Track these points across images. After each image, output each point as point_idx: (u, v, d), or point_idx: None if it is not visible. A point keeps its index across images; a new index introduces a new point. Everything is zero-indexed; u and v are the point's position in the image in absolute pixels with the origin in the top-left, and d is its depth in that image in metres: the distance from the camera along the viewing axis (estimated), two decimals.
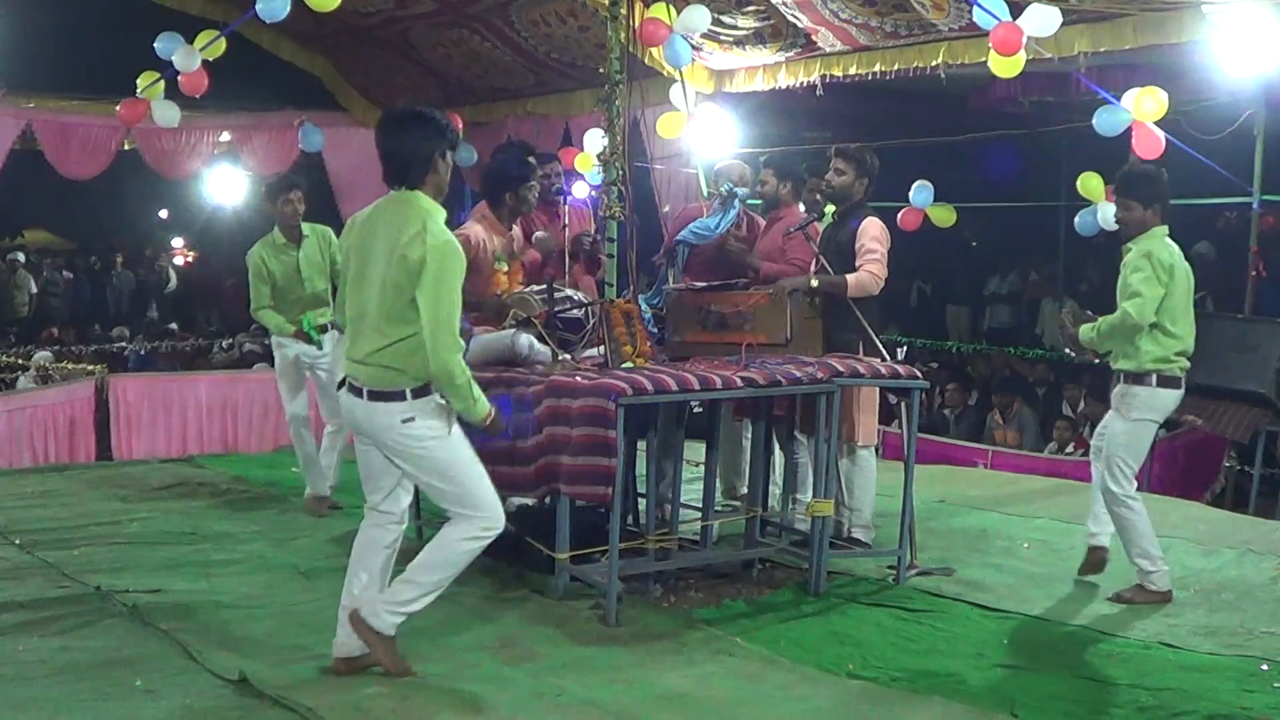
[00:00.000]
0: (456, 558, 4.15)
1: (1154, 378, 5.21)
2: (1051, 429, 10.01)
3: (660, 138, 8.61)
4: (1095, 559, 5.51)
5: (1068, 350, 5.65)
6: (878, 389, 5.87)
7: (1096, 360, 5.68)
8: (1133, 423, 5.24)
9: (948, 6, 7.34)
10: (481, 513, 4.14)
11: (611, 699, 4.11)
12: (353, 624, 4.16)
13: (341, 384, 4.19)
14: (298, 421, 6.93)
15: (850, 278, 5.74)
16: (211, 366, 12.19)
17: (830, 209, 6.27)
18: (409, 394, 4.03)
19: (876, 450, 6.22)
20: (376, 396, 4.05)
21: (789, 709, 4.09)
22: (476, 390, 4.07)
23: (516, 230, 5.99)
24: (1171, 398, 5.29)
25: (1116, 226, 5.50)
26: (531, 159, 6.01)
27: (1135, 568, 5.26)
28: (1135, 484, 5.27)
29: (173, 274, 19.24)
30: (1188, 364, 5.29)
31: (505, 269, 5.70)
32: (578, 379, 4.95)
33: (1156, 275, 5.12)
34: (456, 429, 4.14)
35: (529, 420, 5.08)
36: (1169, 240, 5.24)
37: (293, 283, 6.79)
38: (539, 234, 6.42)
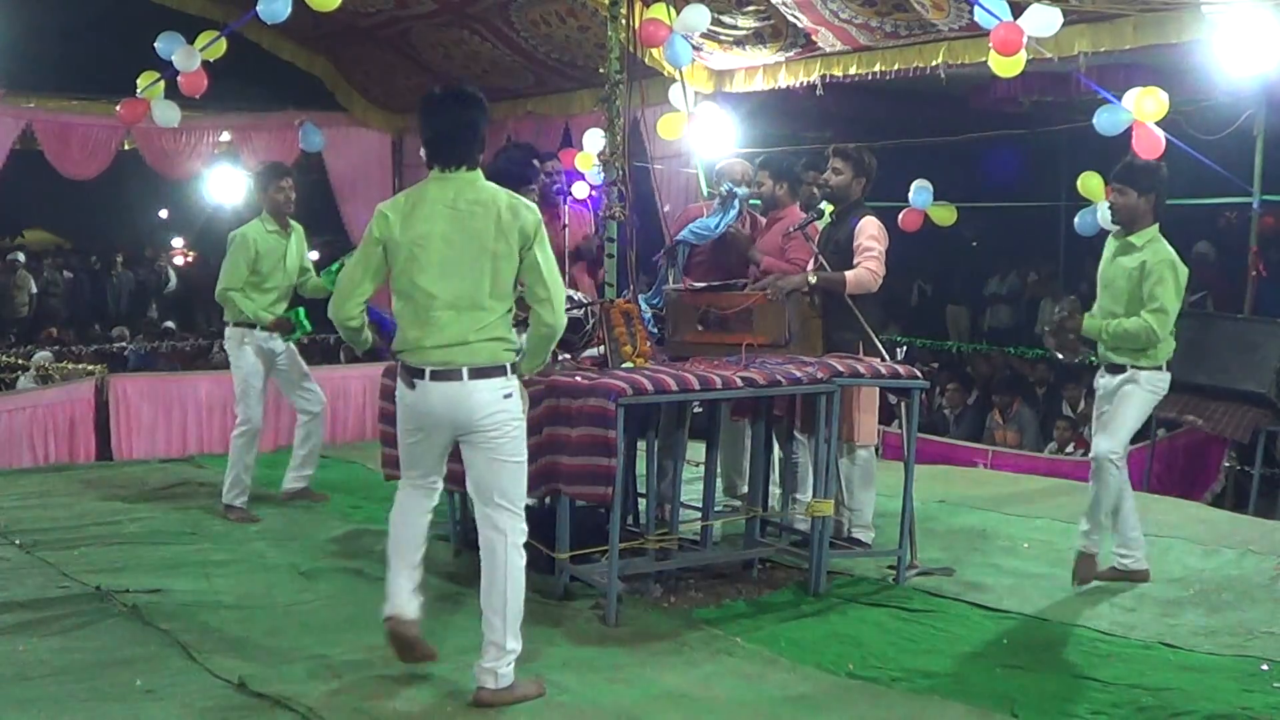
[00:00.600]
0: (522, 574, 4.11)
1: (1164, 365, 5.40)
2: (1051, 429, 10.01)
3: (660, 138, 8.61)
4: (1085, 563, 5.50)
5: (1058, 353, 5.65)
6: (877, 389, 5.87)
7: (1091, 361, 5.70)
8: (1147, 395, 5.38)
9: (948, 6, 7.34)
10: (521, 508, 4.14)
11: (611, 699, 4.11)
12: (481, 699, 3.99)
13: (417, 375, 4.05)
14: (256, 434, 6.72)
15: (849, 275, 5.74)
16: (211, 366, 12.17)
17: (828, 208, 6.27)
18: (509, 368, 4.10)
19: (876, 450, 6.22)
20: (481, 374, 4.04)
21: (789, 709, 4.09)
22: None
23: None
24: (1169, 380, 5.47)
25: (1110, 216, 5.54)
26: (536, 162, 6.01)
27: (1115, 554, 5.46)
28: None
29: (172, 274, 19.23)
30: None
31: None
32: (578, 379, 4.95)
33: (1179, 288, 5.22)
34: None
35: (527, 420, 5.07)
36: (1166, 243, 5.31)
37: (277, 269, 6.66)
38: None
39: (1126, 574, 5.50)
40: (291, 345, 6.85)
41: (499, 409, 4.05)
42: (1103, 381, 5.50)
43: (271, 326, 6.66)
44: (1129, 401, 5.38)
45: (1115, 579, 5.48)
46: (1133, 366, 5.35)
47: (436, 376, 4.04)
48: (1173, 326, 5.29)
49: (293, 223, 6.81)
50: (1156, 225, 5.34)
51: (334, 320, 4.24)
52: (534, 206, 4.13)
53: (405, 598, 4.18)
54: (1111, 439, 5.36)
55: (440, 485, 4.33)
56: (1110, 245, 5.51)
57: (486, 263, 4.03)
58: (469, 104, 4.14)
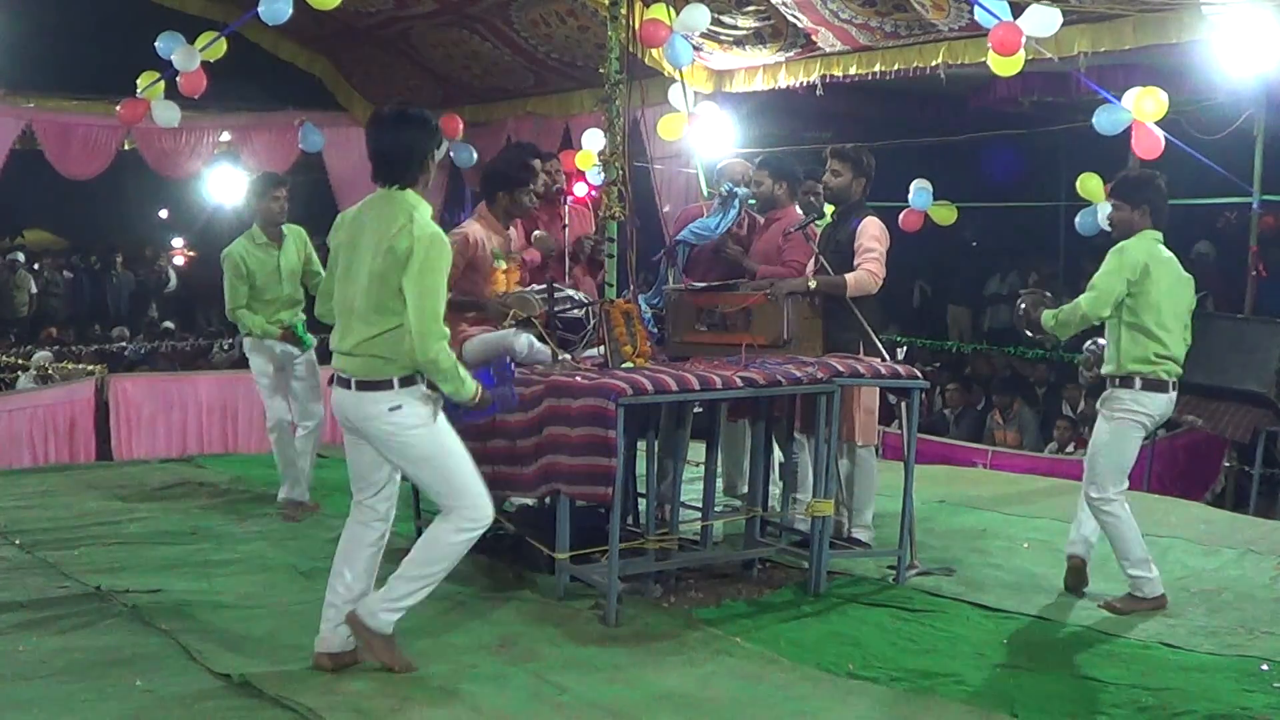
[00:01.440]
0: (447, 550, 4.21)
1: (1137, 380, 5.13)
2: (1051, 429, 10.01)
3: (660, 138, 8.61)
4: (1073, 569, 5.41)
5: (1026, 332, 5.63)
6: (877, 389, 5.87)
7: (1056, 346, 5.69)
8: (1115, 423, 5.17)
9: (948, 6, 7.34)
10: (467, 503, 4.19)
11: (611, 699, 4.11)
12: (350, 625, 4.20)
13: (331, 379, 4.28)
14: (282, 426, 6.84)
15: (849, 277, 5.74)
16: (211, 366, 12.18)
17: (830, 209, 6.27)
18: (396, 382, 4.12)
19: (876, 450, 6.22)
20: (365, 386, 4.13)
21: (789, 709, 4.09)
22: (463, 371, 4.18)
23: (515, 231, 5.99)
24: (1156, 402, 5.16)
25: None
26: (535, 162, 6.01)
27: (1126, 577, 5.20)
28: (1122, 489, 5.18)
29: (172, 274, 19.22)
30: (1176, 369, 5.19)
31: (504, 268, 5.70)
32: (578, 379, 4.95)
33: (1120, 272, 5.10)
34: (442, 418, 4.23)
35: (527, 420, 5.08)
36: (1158, 245, 5.19)
37: (271, 282, 6.68)
38: (538, 233, 6.42)
39: (1142, 600, 5.15)
40: (311, 357, 6.90)
41: (385, 422, 4.12)
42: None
43: (283, 338, 6.74)
44: (1098, 439, 5.22)
45: (1132, 609, 5.11)
46: (1110, 381, 5.23)
47: (338, 382, 4.23)
48: (1159, 330, 5.09)
49: (288, 229, 6.79)
50: (1146, 231, 5.23)
51: (320, 319, 4.38)
52: (427, 234, 4.05)
53: (329, 629, 4.28)
54: (1097, 485, 5.17)
55: (379, 524, 4.32)
56: None
57: (364, 277, 4.11)
58: (408, 125, 4.20)
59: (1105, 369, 5.27)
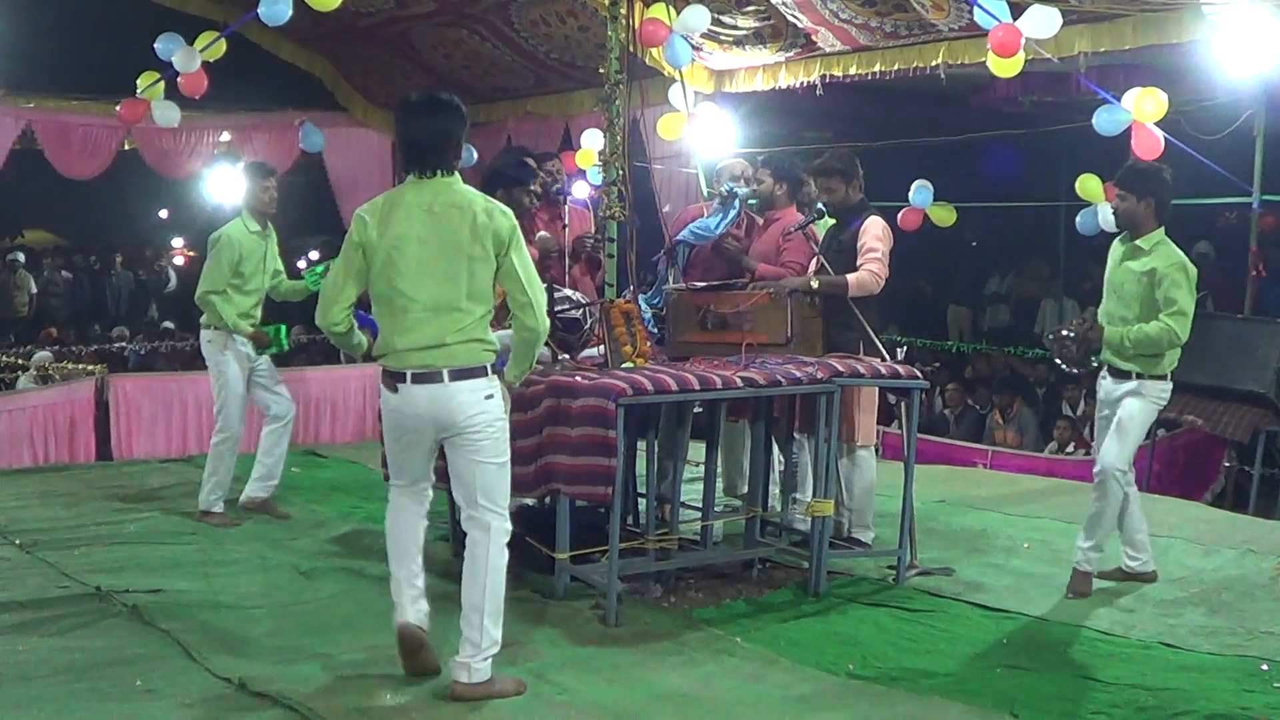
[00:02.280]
0: (503, 574, 4.16)
1: (1170, 374, 5.40)
2: (1051, 429, 10.01)
3: (660, 138, 8.61)
4: (1142, 579, 5.54)
5: (1065, 364, 5.55)
6: (877, 389, 5.87)
7: (1093, 366, 5.68)
8: (1151, 407, 5.39)
9: (948, 6, 7.34)
10: (505, 509, 4.18)
11: (611, 699, 4.11)
12: (462, 696, 4.04)
13: (399, 378, 4.08)
14: (236, 441, 6.61)
15: (851, 278, 5.74)
16: None
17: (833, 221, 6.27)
18: (489, 369, 4.11)
19: (876, 450, 6.22)
20: (463, 375, 4.06)
21: (789, 709, 4.09)
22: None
23: None
24: (1171, 388, 5.47)
25: (1114, 221, 5.53)
26: (529, 160, 6.00)
27: (1078, 547, 5.43)
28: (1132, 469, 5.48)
29: (173, 274, 19.21)
30: None
31: None
32: (578, 379, 4.95)
33: (1192, 289, 5.23)
34: None
35: (527, 420, 5.08)
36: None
37: (258, 271, 6.59)
38: (541, 234, 6.41)
39: (1134, 575, 5.51)
40: (268, 357, 6.71)
41: (480, 410, 4.08)
42: (1105, 385, 5.48)
43: (249, 337, 6.55)
44: (1134, 414, 5.35)
45: (1123, 580, 5.50)
46: (1138, 375, 5.33)
47: (418, 379, 4.06)
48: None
49: (269, 224, 6.76)
50: (1162, 228, 5.33)
51: (321, 326, 4.27)
52: (509, 211, 4.15)
53: (409, 605, 4.22)
54: (1120, 452, 5.34)
55: (430, 492, 4.35)
56: (1116, 249, 5.50)
57: (463, 265, 4.05)
58: (445, 110, 4.18)
59: (1145, 368, 5.33)
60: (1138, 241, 5.34)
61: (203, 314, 6.63)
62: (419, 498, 4.32)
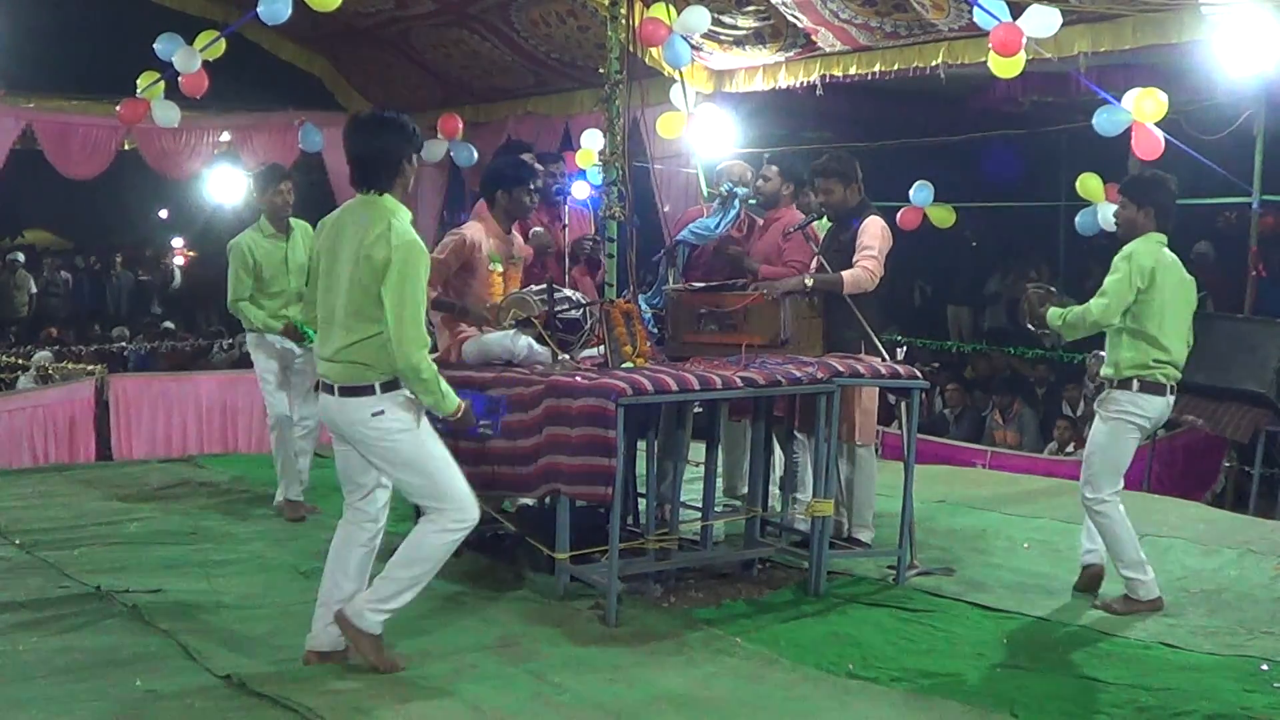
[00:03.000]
0: (432, 552, 4.21)
1: (1135, 382, 5.15)
2: (1051, 429, 10.01)
3: (660, 138, 8.61)
4: (1089, 576, 5.42)
5: (1029, 326, 5.57)
6: (877, 389, 5.87)
7: (1056, 346, 5.67)
8: (1111, 423, 5.18)
9: (948, 6, 7.34)
10: (452, 505, 4.20)
11: (611, 699, 4.11)
12: (339, 624, 4.22)
13: (317, 385, 4.34)
14: (284, 424, 6.77)
15: (846, 275, 5.74)
16: (211, 366, 12.18)
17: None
18: (378, 388, 4.13)
19: (876, 450, 6.22)
20: (347, 392, 4.15)
21: (789, 709, 4.09)
22: (444, 385, 4.18)
23: (516, 235, 5.97)
24: (1154, 405, 5.16)
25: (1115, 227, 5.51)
26: (527, 156, 5.98)
27: (1121, 578, 5.20)
28: (1116, 489, 5.19)
29: (178, 273, 19.22)
30: (1175, 373, 5.20)
31: (500, 270, 5.69)
32: (578, 379, 4.95)
33: (1130, 278, 5.07)
34: (425, 423, 4.24)
35: (528, 420, 5.08)
36: (1164, 249, 5.19)
37: (279, 274, 6.66)
38: (535, 229, 6.38)
39: (1139, 603, 5.14)
40: (309, 350, 6.81)
41: (370, 426, 4.13)
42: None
43: (283, 333, 6.66)
44: (1093, 438, 5.23)
45: (1129, 610, 5.10)
46: (1109, 382, 5.22)
47: (323, 388, 4.26)
48: (1161, 336, 5.10)
49: (295, 222, 6.77)
50: (1154, 234, 5.22)
51: (304, 322, 4.40)
52: (403, 243, 4.04)
53: (320, 628, 4.30)
54: (1092, 485, 5.18)
55: (377, 521, 4.34)
56: None
57: (343, 285, 4.12)
58: (383, 128, 4.19)
59: (1104, 371, 5.28)
60: (1125, 246, 5.26)
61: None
62: (357, 518, 4.33)
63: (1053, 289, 5.56)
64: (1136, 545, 5.18)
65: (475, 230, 5.66)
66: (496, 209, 5.76)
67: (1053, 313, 5.32)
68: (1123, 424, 5.16)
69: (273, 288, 6.67)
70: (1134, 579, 5.13)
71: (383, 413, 4.12)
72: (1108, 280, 5.13)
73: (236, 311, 6.75)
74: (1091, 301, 5.16)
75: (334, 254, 4.18)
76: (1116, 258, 5.19)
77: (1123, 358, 5.16)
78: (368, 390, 4.12)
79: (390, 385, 4.14)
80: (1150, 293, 5.10)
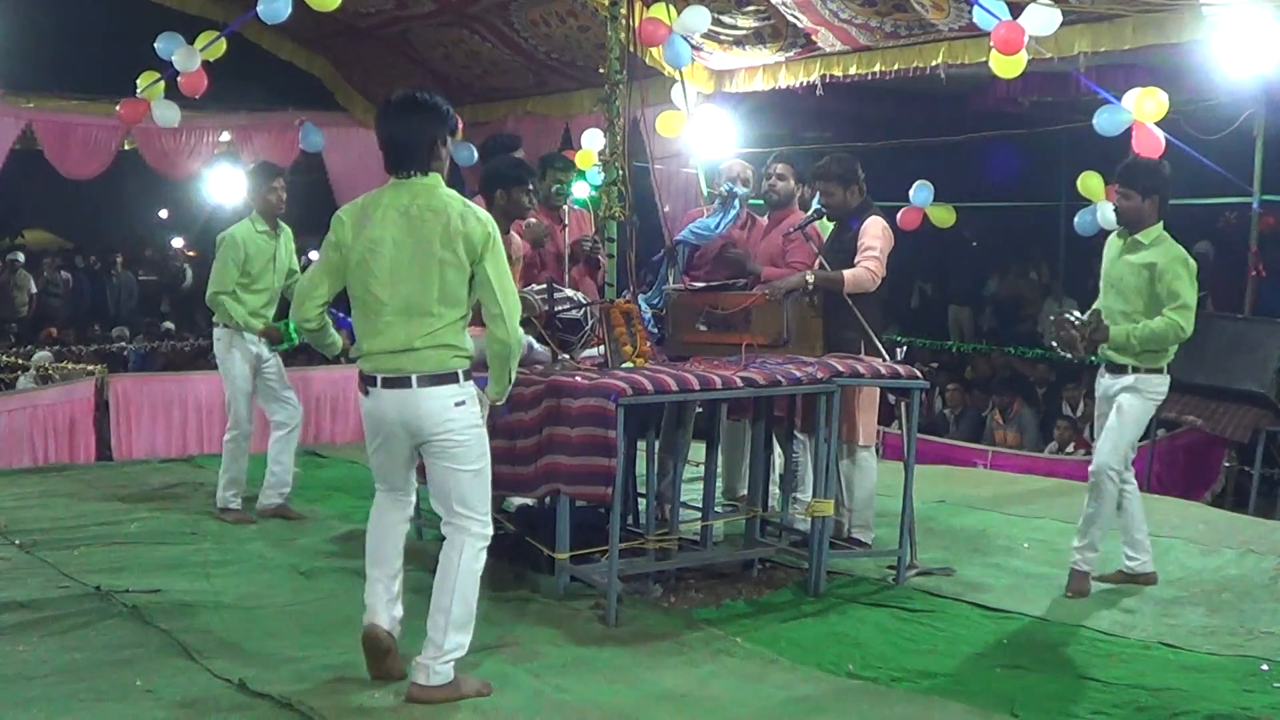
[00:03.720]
0: (476, 579, 4.10)
1: (1166, 367, 5.36)
2: (1051, 429, 10.02)
3: (660, 137, 8.61)
4: (1142, 580, 5.52)
5: (1064, 352, 5.50)
6: (877, 389, 5.87)
7: (1092, 360, 5.67)
8: (1148, 403, 5.36)
9: (948, 6, 7.34)
10: (485, 515, 4.12)
11: (611, 699, 4.11)
12: (419, 698, 3.99)
13: (367, 383, 4.07)
14: (246, 438, 6.66)
15: (847, 274, 5.74)
16: (211, 366, 12.15)
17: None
18: (461, 376, 4.05)
19: (876, 450, 6.21)
20: (430, 381, 4.00)
21: (789, 709, 4.09)
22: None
23: (515, 234, 5.97)
24: (1167, 385, 5.43)
25: (1115, 218, 5.51)
26: (519, 154, 5.96)
27: (1123, 554, 5.44)
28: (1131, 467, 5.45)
29: (189, 271, 19.18)
30: None
31: None
32: (578, 379, 4.95)
33: (1194, 282, 5.22)
34: None
35: (528, 420, 5.08)
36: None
37: (267, 270, 6.59)
38: (529, 221, 6.34)
39: (1133, 577, 5.49)
40: (279, 358, 6.76)
41: (449, 417, 4.01)
42: (1103, 383, 5.47)
43: (261, 333, 6.58)
44: (1128, 411, 5.33)
45: (1122, 582, 5.48)
46: (1134, 369, 5.31)
47: (388, 384, 4.03)
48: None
49: (281, 223, 6.76)
50: (1161, 223, 5.31)
51: (295, 322, 4.28)
52: (486, 218, 4.04)
53: (381, 606, 4.16)
54: (1113, 451, 5.32)
55: (414, 499, 4.30)
56: (1113, 244, 5.48)
57: (434, 269, 3.98)
58: (424, 110, 4.10)
59: (1142, 362, 5.30)
60: (1137, 236, 5.31)
61: (214, 314, 6.70)
62: (401, 503, 4.26)
63: (1082, 316, 5.36)
64: (1109, 528, 5.45)
65: None
66: (495, 209, 5.74)
67: (1119, 331, 5.25)
68: (1153, 404, 5.40)
69: (258, 284, 6.59)
70: (1085, 553, 5.38)
71: (464, 403, 4.04)
72: (1181, 289, 5.18)
73: (216, 304, 6.58)
74: (1177, 316, 5.17)
75: (404, 240, 3.99)
76: (1167, 260, 5.20)
77: (1170, 351, 5.31)
78: (453, 378, 4.02)
79: (468, 374, 4.07)
80: None
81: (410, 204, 4.03)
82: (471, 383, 4.09)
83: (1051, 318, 5.51)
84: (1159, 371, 5.33)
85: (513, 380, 4.17)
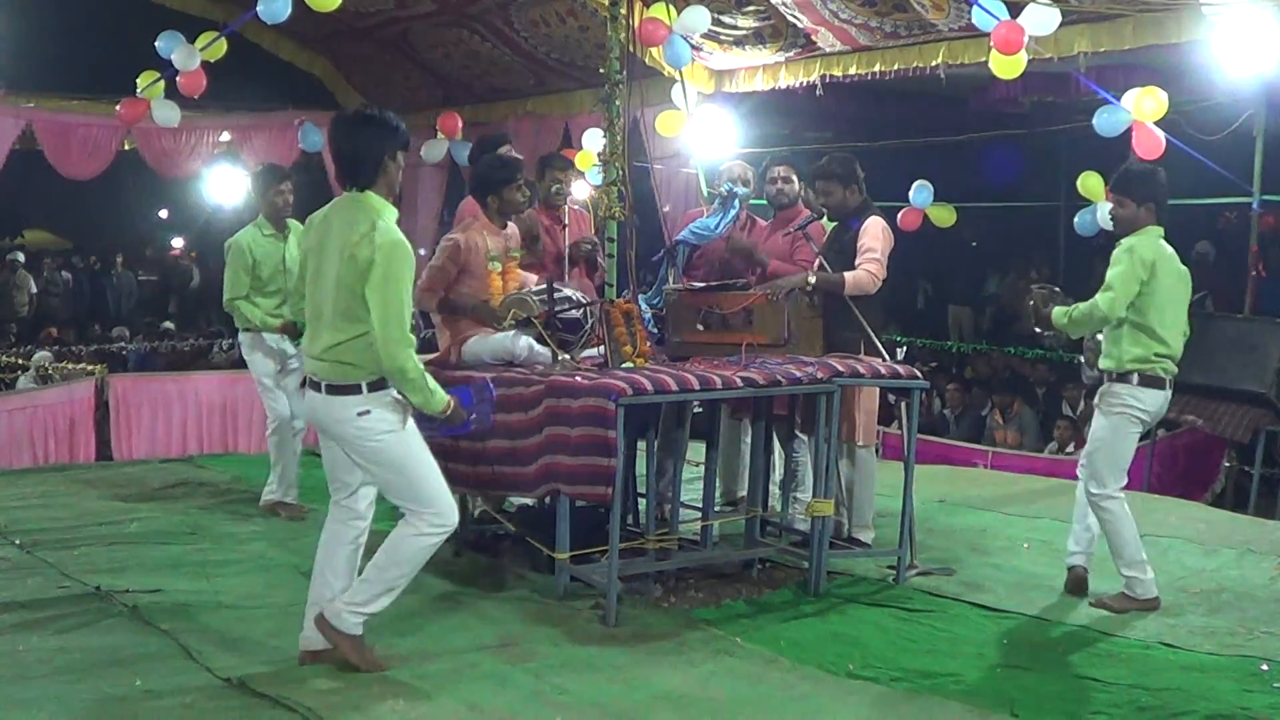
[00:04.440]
0: (410, 555, 4.21)
1: (1135, 376, 5.14)
2: (1051, 429, 10.02)
3: (660, 137, 8.61)
4: (1074, 578, 5.41)
5: (1036, 328, 5.55)
6: (877, 389, 5.87)
7: (1056, 346, 5.63)
8: (1113, 418, 5.17)
9: (947, 6, 7.34)
10: (431, 509, 4.20)
11: (611, 699, 4.11)
12: (319, 627, 4.23)
13: (304, 382, 4.31)
14: (285, 426, 6.74)
15: (848, 276, 5.74)
16: (211, 366, 12.18)
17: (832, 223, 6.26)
18: (364, 387, 4.12)
19: (876, 450, 6.21)
20: (334, 390, 4.14)
21: (789, 709, 4.09)
22: (432, 382, 4.16)
23: (513, 228, 5.97)
24: (1154, 399, 5.16)
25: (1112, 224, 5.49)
26: (505, 151, 5.94)
27: (1120, 576, 5.21)
28: (1121, 485, 5.19)
29: (196, 271, 19.17)
30: (1172, 367, 5.18)
31: (499, 269, 5.68)
32: (578, 379, 4.95)
33: (1134, 271, 5.06)
34: (411, 424, 4.22)
35: (528, 420, 5.08)
36: (1162, 241, 5.17)
37: (277, 273, 6.64)
38: (524, 214, 6.32)
39: (1136, 600, 5.16)
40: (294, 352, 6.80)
41: (355, 426, 4.12)
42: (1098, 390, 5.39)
43: (280, 330, 6.65)
44: (1098, 433, 5.20)
45: (1125, 608, 5.12)
46: (1106, 375, 5.21)
47: (310, 386, 4.24)
48: (1160, 329, 5.08)
49: (291, 223, 6.76)
50: (1155, 228, 5.21)
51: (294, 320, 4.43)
52: (384, 242, 4.02)
53: (309, 628, 4.29)
54: (1098, 480, 5.17)
55: (364, 519, 4.34)
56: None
57: (330, 284, 4.11)
58: (365, 125, 4.17)
59: (1103, 364, 5.26)
60: (1125, 239, 5.22)
61: (234, 320, 6.84)
62: (344, 516, 4.32)
63: (1056, 289, 5.50)
64: (1139, 544, 5.18)
65: (470, 233, 5.63)
66: (490, 210, 5.75)
67: (1058, 312, 5.28)
68: (1124, 419, 5.15)
69: (270, 287, 6.65)
70: (1133, 577, 5.14)
71: (368, 412, 4.12)
72: (1111, 273, 5.10)
73: (233, 310, 6.71)
74: (1098, 296, 5.11)
75: (321, 252, 4.18)
76: (1117, 250, 5.16)
77: (1124, 351, 5.14)
78: (354, 389, 4.12)
79: (377, 385, 4.13)
80: (1152, 285, 5.08)
81: (335, 217, 4.18)
82: (384, 391, 4.14)
83: (1029, 294, 5.49)
84: (1126, 379, 5.12)
85: (432, 390, 4.15)
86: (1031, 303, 5.42)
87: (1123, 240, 5.20)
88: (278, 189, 6.68)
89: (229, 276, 6.66)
